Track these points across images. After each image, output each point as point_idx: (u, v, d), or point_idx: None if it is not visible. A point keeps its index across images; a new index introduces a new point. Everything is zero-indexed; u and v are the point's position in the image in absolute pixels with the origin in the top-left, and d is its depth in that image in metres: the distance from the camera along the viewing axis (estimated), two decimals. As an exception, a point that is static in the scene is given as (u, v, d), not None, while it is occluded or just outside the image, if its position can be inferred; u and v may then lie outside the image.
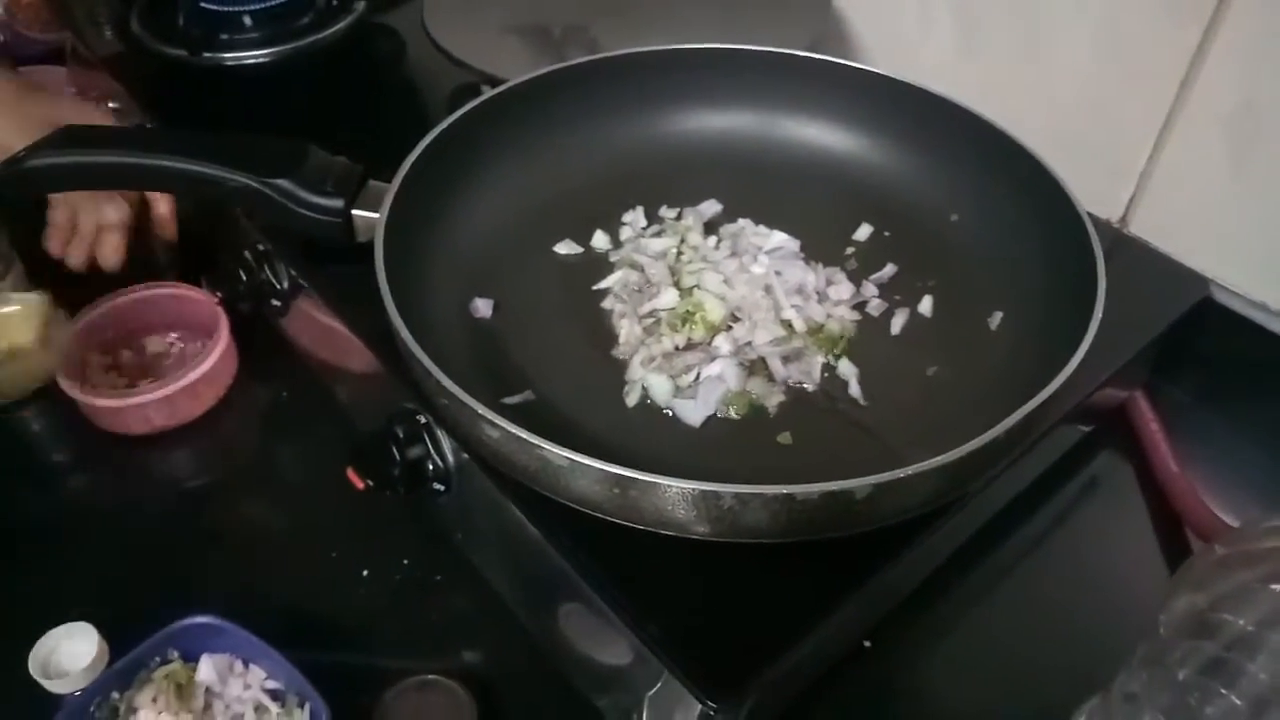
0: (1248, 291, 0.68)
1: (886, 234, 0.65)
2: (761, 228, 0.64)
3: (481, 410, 0.44)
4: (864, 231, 0.65)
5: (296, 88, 0.88)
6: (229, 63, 0.87)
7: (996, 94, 0.67)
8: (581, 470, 0.42)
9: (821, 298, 0.59)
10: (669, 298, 0.57)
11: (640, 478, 0.40)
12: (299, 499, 0.70)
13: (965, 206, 0.64)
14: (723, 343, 0.56)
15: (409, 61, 0.93)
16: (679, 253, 0.63)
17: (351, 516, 0.66)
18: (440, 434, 0.58)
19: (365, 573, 0.65)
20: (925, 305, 0.60)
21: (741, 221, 0.65)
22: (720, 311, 0.57)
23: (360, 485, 0.64)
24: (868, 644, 0.59)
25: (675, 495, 0.41)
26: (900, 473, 0.40)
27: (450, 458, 0.59)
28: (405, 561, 0.65)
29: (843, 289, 0.60)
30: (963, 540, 0.62)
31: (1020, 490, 0.65)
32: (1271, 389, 0.70)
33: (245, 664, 0.59)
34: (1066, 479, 0.68)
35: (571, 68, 0.66)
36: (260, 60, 0.87)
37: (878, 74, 0.66)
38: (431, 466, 0.59)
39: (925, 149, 0.66)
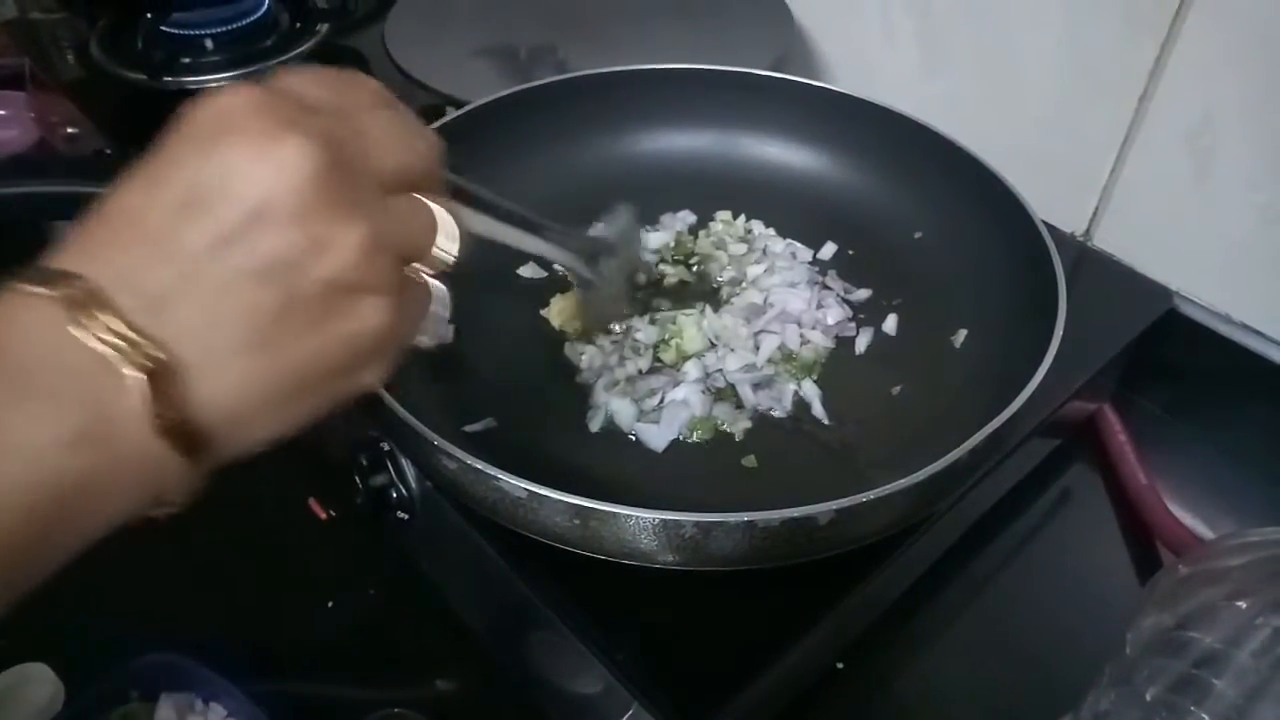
0: (1211, 303, 0.69)
1: (851, 252, 0.65)
2: (771, 230, 0.65)
3: (437, 441, 0.43)
4: (829, 250, 0.64)
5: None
6: (191, 86, 0.86)
7: (959, 111, 0.67)
8: (540, 502, 0.41)
9: (811, 323, 0.59)
10: (647, 334, 0.57)
11: (600, 509, 0.39)
12: (262, 530, 0.69)
13: (929, 224, 0.64)
14: (691, 368, 0.55)
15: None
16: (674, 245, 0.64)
17: (316, 547, 0.65)
18: (404, 462, 0.57)
19: (330, 604, 0.64)
20: (890, 324, 0.60)
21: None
22: (699, 343, 0.56)
23: (323, 516, 0.64)
24: (840, 665, 0.58)
25: (636, 525, 0.40)
26: (863, 497, 0.40)
27: (414, 485, 0.58)
28: (371, 592, 0.64)
29: (833, 312, 0.59)
30: (934, 558, 0.62)
31: (991, 505, 0.65)
32: (1236, 399, 0.70)
33: (205, 702, 0.58)
34: (1037, 493, 0.68)
35: (535, 89, 0.66)
36: (222, 84, 0.86)
37: (840, 92, 0.66)
38: (395, 495, 0.58)
39: (888, 167, 0.66)
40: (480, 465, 0.41)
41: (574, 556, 0.45)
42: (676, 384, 0.54)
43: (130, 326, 0.27)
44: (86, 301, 0.27)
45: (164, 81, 0.86)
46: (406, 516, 0.59)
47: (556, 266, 0.64)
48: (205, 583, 0.66)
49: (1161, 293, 0.69)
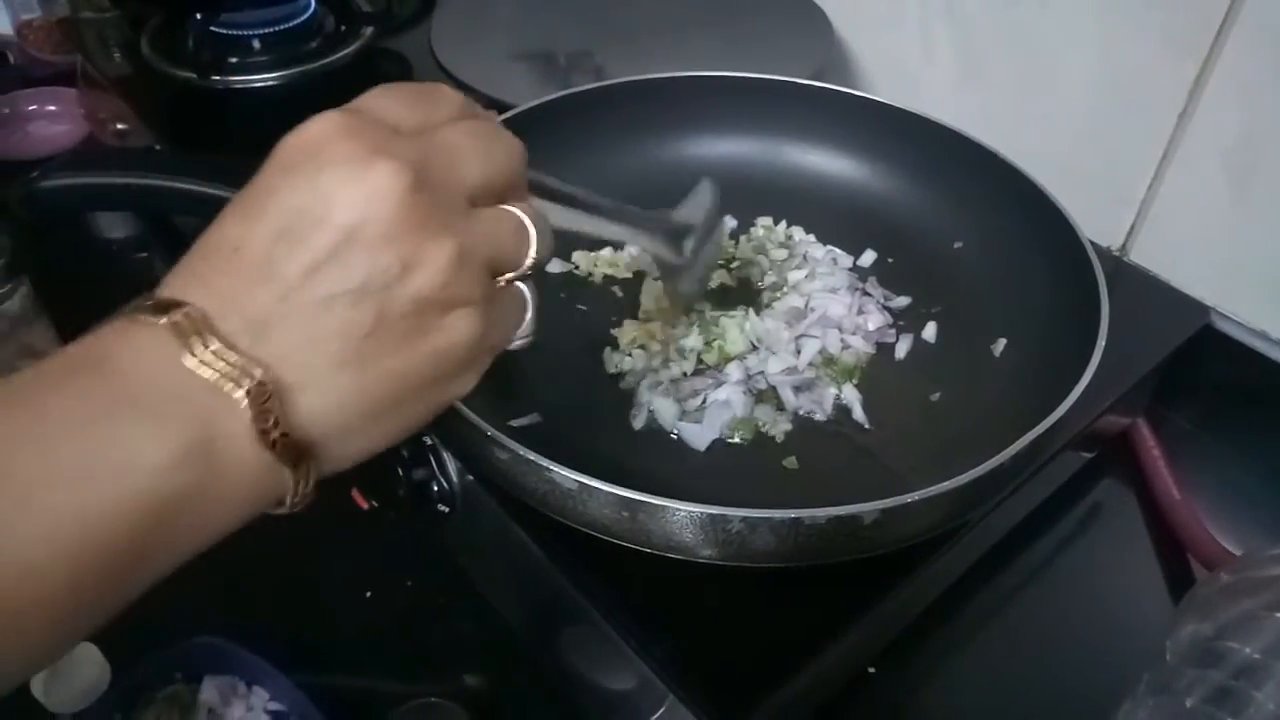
0: (1247, 319, 0.69)
1: (890, 260, 0.65)
2: (812, 237, 0.66)
3: (491, 432, 0.44)
4: (869, 257, 0.65)
5: (304, 111, 0.88)
6: (237, 86, 0.88)
7: (996, 124, 0.68)
8: (590, 494, 0.42)
9: (851, 328, 0.60)
10: (693, 340, 0.58)
11: (650, 501, 0.40)
12: (302, 520, 0.70)
13: (969, 234, 0.64)
14: (733, 369, 0.56)
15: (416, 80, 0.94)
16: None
17: (355, 538, 0.66)
18: (446, 456, 0.58)
19: (369, 594, 0.65)
20: (929, 331, 0.61)
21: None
22: (741, 345, 0.57)
23: (364, 505, 0.65)
24: (872, 669, 0.58)
25: (684, 519, 0.41)
26: (908, 498, 0.41)
27: (455, 479, 0.59)
28: (409, 583, 0.65)
29: (874, 318, 0.60)
30: (966, 567, 0.62)
31: (1022, 517, 0.65)
32: (1271, 416, 0.70)
33: (248, 686, 0.59)
34: (1069, 506, 0.68)
35: (580, 94, 0.67)
36: (268, 84, 0.88)
37: (882, 103, 0.67)
38: (436, 488, 0.59)
39: (929, 177, 0.67)
40: (533, 457, 0.42)
41: (613, 551, 0.46)
42: (719, 385, 0.55)
43: (234, 349, 0.29)
44: (194, 328, 0.28)
45: (212, 80, 0.87)
46: (446, 510, 0.60)
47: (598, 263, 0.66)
48: (249, 569, 0.66)
49: (1198, 308, 0.69)
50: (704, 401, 0.55)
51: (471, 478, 0.57)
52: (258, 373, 0.28)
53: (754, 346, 0.58)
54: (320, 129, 0.30)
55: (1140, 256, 0.73)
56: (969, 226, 0.64)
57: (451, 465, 0.58)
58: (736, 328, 0.57)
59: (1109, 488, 0.70)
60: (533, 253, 0.34)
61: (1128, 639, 0.60)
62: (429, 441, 0.59)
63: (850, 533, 0.42)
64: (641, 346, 0.58)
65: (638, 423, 0.55)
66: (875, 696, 0.58)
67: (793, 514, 0.40)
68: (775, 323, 0.58)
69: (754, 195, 0.69)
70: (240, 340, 0.29)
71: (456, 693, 0.58)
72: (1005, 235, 0.62)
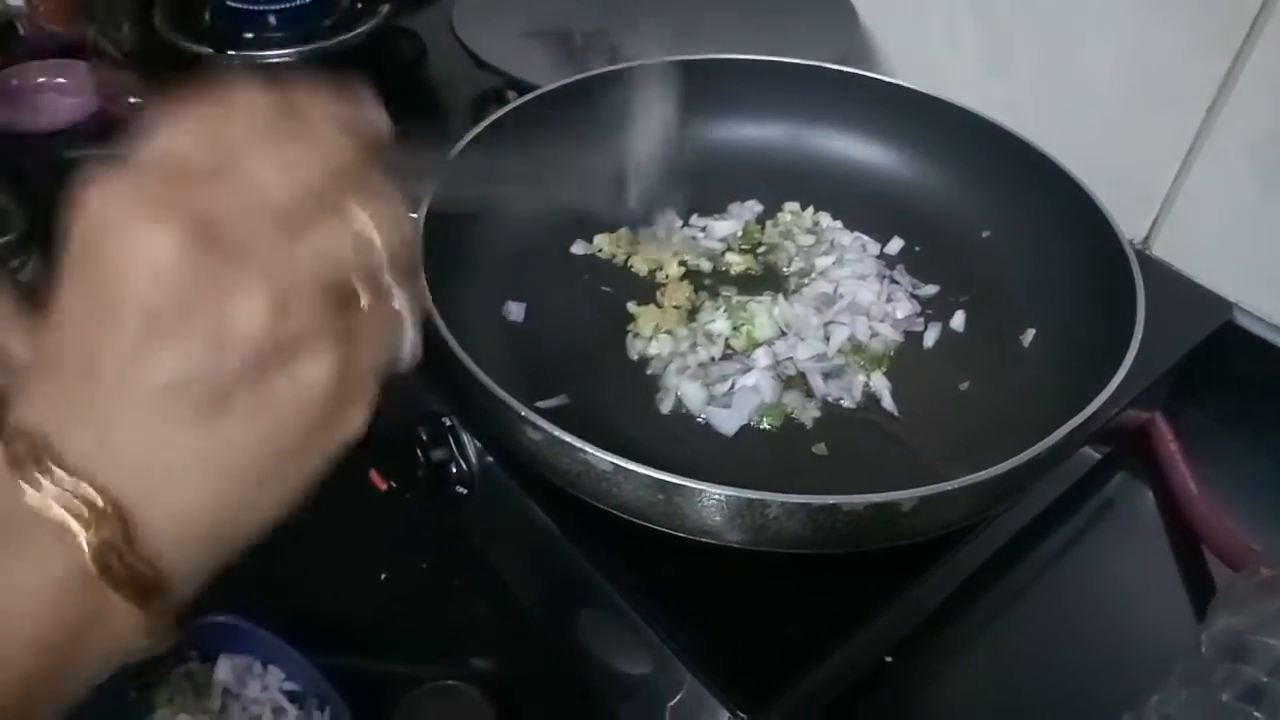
0: (1270, 315, 0.69)
1: (918, 249, 0.65)
2: (839, 223, 0.65)
3: (525, 412, 0.44)
4: (895, 245, 0.65)
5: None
6: (253, 61, 0.87)
7: (1021, 116, 0.67)
8: (625, 476, 0.42)
9: (880, 315, 0.59)
10: (721, 325, 0.57)
11: (687, 484, 0.40)
12: (319, 499, 0.69)
13: (997, 223, 0.64)
14: (761, 355, 0.56)
15: (432, 65, 0.93)
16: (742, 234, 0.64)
17: (371, 519, 0.66)
18: (465, 437, 0.58)
19: (384, 576, 0.64)
20: (958, 320, 0.60)
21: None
22: (770, 330, 0.57)
23: (382, 486, 0.64)
24: (889, 659, 0.58)
25: (720, 502, 0.41)
26: (947, 485, 0.40)
27: (474, 461, 0.58)
28: (424, 565, 0.65)
29: (902, 306, 0.59)
30: (985, 558, 0.62)
31: (1039, 511, 0.65)
32: (1292, 411, 0.70)
33: (264, 665, 0.58)
34: (1082, 501, 0.68)
35: (607, 74, 0.66)
36: (284, 59, 0.87)
37: (910, 89, 0.66)
38: (455, 469, 0.59)
39: (957, 165, 0.66)
40: (568, 438, 0.42)
41: (635, 534, 0.46)
42: (747, 370, 0.55)
43: (74, 473, 0.26)
44: (31, 455, 0.26)
45: (228, 55, 0.86)
46: (465, 491, 0.60)
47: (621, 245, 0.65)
48: (265, 548, 0.66)
49: (1220, 304, 0.69)
50: (732, 386, 0.54)
51: (491, 459, 0.56)
52: (96, 499, 0.26)
53: (782, 332, 0.57)
54: (98, 200, 0.26)
55: (1163, 251, 0.73)
56: (997, 215, 0.64)
57: (471, 446, 0.58)
58: (765, 312, 0.56)
59: (1123, 483, 0.70)
60: (383, 256, 0.29)
61: (1143, 634, 0.60)
62: (448, 423, 0.58)
63: (887, 520, 0.41)
64: (668, 332, 0.57)
65: (665, 407, 0.54)
66: (892, 686, 0.58)
67: (831, 500, 0.39)
68: (804, 308, 0.58)
69: (780, 180, 0.69)
70: (80, 460, 0.26)
71: (472, 675, 0.58)
72: (1034, 225, 0.61)
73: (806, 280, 0.61)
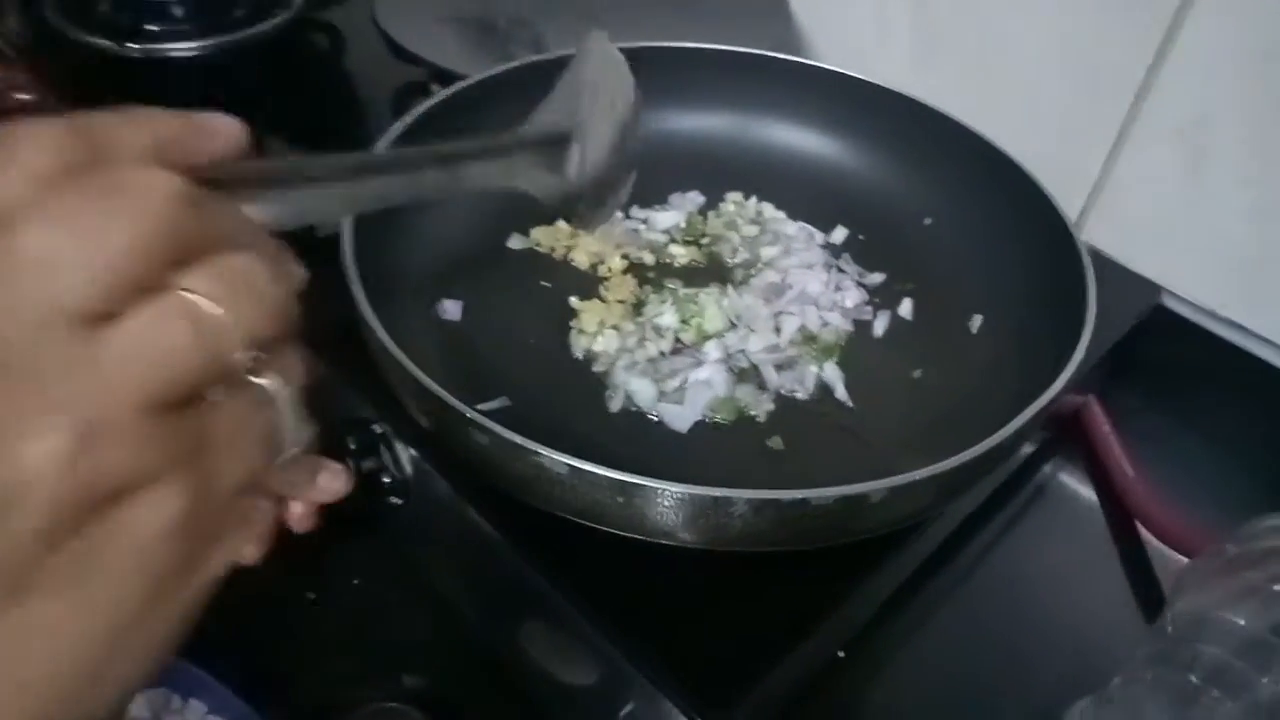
0: (1196, 298, 0.70)
1: (861, 237, 0.64)
2: (782, 214, 0.63)
3: (470, 414, 0.41)
4: (840, 234, 0.64)
5: (231, 83, 0.83)
6: (157, 55, 0.81)
7: (951, 104, 0.67)
8: (582, 478, 0.39)
9: (829, 304, 0.58)
10: (669, 318, 0.55)
11: (650, 484, 0.38)
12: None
13: (939, 210, 0.64)
14: (712, 348, 0.54)
15: (350, 59, 0.89)
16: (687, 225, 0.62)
17: (293, 535, 0.62)
18: (398, 445, 0.55)
19: (311, 596, 0.61)
20: (905, 308, 0.60)
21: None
22: (720, 322, 0.55)
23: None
24: (841, 653, 0.57)
25: (683, 502, 0.38)
26: (915, 475, 0.39)
27: (408, 469, 0.55)
28: (355, 581, 0.61)
29: (851, 295, 0.58)
30: (934, 548, 0.61)
31: (983, 499, 0.65)
32: (1218, 392, 0.71)
33: (183, 698, 0.54)
34: (1017, 486, 0.68)
35: (540, 63, 0.63)
36: (191, 53, 0.82)
37: (850, 76, 0.65)
38: (387, 480, 0.56)
39: (898, 152, 0.66)
40: (519, 440, 0.39)
41: (582, 538, 0.43)
42: (698, 364, 0.53)
43: None
44: None
45: (128, 48, 0.81)
46: (399, 502, 0.57)
47: (560, 239, 0.62)
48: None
49: (1150, 287, 0.70)
50: (683, 382, 0.52)
51: (427, 467, 0.53)
52: None
53: (732, 324, 0.55)
54: None
55: (1092, 236, 0.74)
56: (939, 202, 0.64)
57: (404, 454, 0.55)
58: (714, 304, 0.55)
59: (1057, 467, 0.70)
60: (234, 340, 0.22)
61: (1084, 616, 0.60)
62: (379, 430, 0.55)
63: (855, 513, 0.40)
64: (614, 327, 0.55)
65: (614, 405, 0.52)
66: (846, 680, 0.57)
67: (800, 494, 0.38)
68: (753, 299, 0.56)
69: (721, 171, 0.67)
70: None
71: (412, 696, 0.55)
72: (976, 210, 0.61)
73: (753, 271, 0.60)
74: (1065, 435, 0.70)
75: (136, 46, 0.81)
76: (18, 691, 0.21)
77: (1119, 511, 0.66)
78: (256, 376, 0.23)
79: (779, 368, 0.54)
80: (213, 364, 0.22)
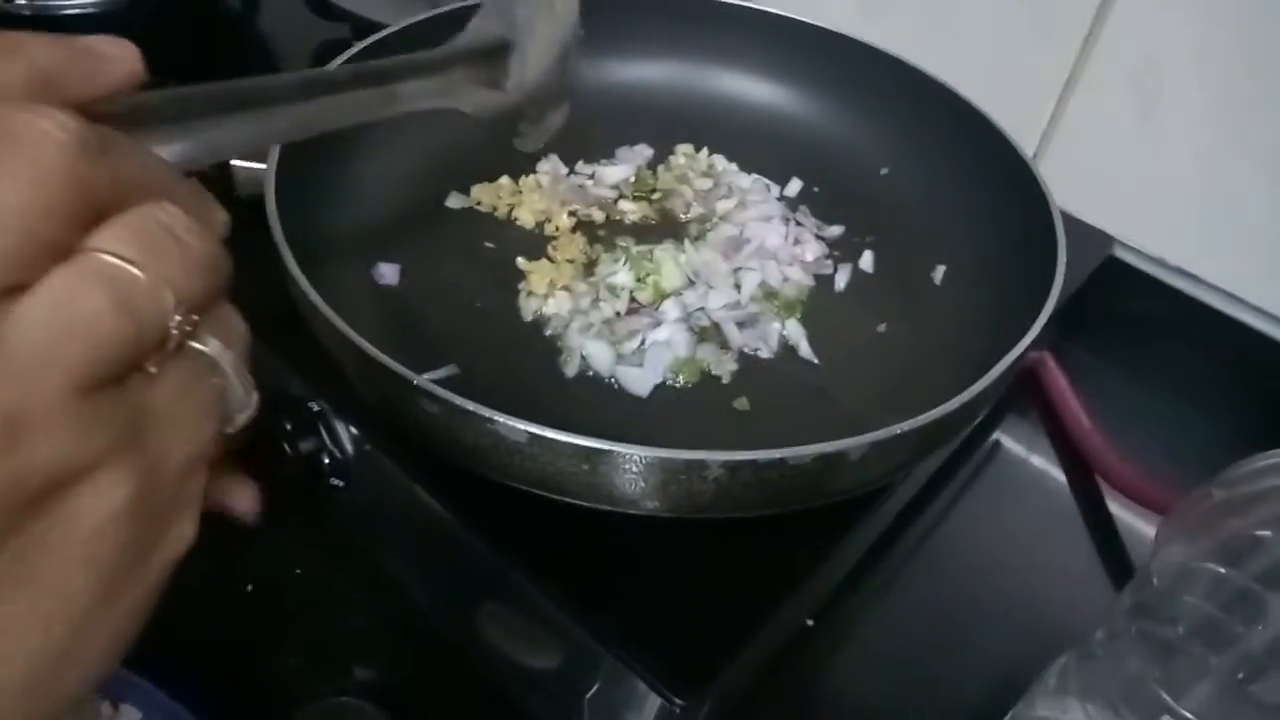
0: (1146, 247, 0.69)
1: (816, 189, 0.62)
2: (734, 165, 0.60)
3: (418, 382, 0.37)
4: (795, 186, 0.61)
5: (134, 40, 0.77)
6: (47, 11, 0.75)
7: (899, 50, 0.65)
8: (544, 446, 0.36)
9: (789, 259, 0.56)
10: (623, 277, 0.52)
11: (618, 450, 0.35)
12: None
13: (895, 158, 0.62)
14: (670, 306, 0.51)
15: (264, 17, 0.84)
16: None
17: (227, 524, 0.58)
18: (337, 423, 0.51)
19: (250, 588, 0.57)
20: (866, 261, 0.58)
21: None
22: (678, 279, 0.52)
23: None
24: (810, 622, 0.56)
25: (653, 466, 0.36)
26: (895, 429, 0.37)
27: (350, 449, 0.52)
28: (298, 571, 0.58)
29: (811, 248, 0.56)
30: (899, 509, 0.60)
31: (945, 458, 0.64)
32: (1169, 341, 0.71)
33: (114, 705, 0.50)
34: (974, 444, 0.68)
35: (462, 9, 0.59)
36: (85, 9, 0.76)
37: (801, 21, 0.63)
38: (327, 460, 0.52)
39: (851, 100, 0.64)
40: (474, 408, 0.36)
41: (538, 512, 0.41)
42: (656, 324, 0.50)
43: None
44: None
45: (15, 4, 0.75)
46: (341, 484, 0.53)
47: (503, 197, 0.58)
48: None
49: (1102, 238, 0.69)
50: (642, 343, 0.49)
51: (370, 446, 0.50)
52: None
53: (690, 281, 0.53)
54: None
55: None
56: (895, 150, 0.62)
57: (345, 433, 0.51)
58: (671, 260, 0.52)
59: (1011, 425, 0.70)
60: (162, 303, 0.20)
61: (1046, 571, 0.60)
62: (316, 408, 0.51)
63: (833, 472, 0.38)
64: (564, 288, 0.52)
65: (569, 370, 0.49)
66: (815, 648, 0.55)
67: (778, 454, 0.35)
68: (712, 254, 0.53)
69: (669, 122, 0.64)
70: None
71: (365, 689, 0.52)
72: (932, 157, 0.60)
73: (709, 226, 0.57)
74: (1020, 392, 0.69)
75: (25, 1, 0.74)
76: None
77: (1079, 467, 0.66)
78: (194, 341, 0.21)
79: (740, 325, 0.51)
80: (140, 332, 0.19)
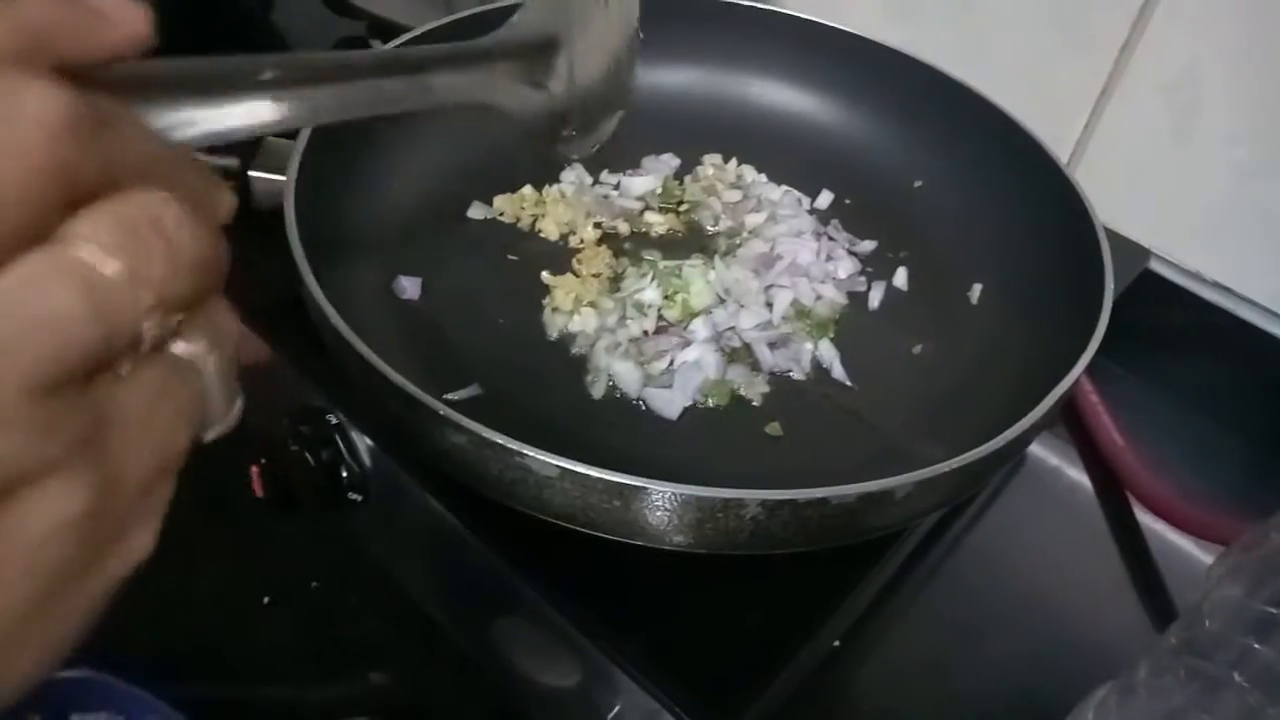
0: (1182, 260, 0.68)
1: (848, 202, 0.60)
2: (763, 177, 0.59)
3: (444, 412, 0.36)
4: (825, 199, 0.60)
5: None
6: None
7: (928, 57, 0.64)
8: (573, 481, 0.35)
9: (821, 276, 0.54)
10: (651, 294, 0.51)
11: (658, 489, 0.33)
12: (185, 517, 0.60)
13: (929, 171, 0.60)
14: (699, 326, 0.50)
15: (279, 14, 0.82)
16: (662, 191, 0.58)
17: (245, 536, 0.57)
18: (354, 435, 0.50)
19: (267, 600, 0.56)
20: (900, 278, 0.56)
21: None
22: (708, 297, 0.50)
23: (260, 492, 0.56)
24: (837, 643, 0.55)
25: (689, 505, 0.34)
26: (943, 467, 0.36)
27: (368, 462, 0.51)
28: (314, 584, 0.57)
29: (844, 265, 0.54)
30: (930, 528, 0.59)
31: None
32: (1203, 357, 0.70)
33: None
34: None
35: (488, 13, 0.57)
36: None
37: (832, 26, 0.61)
38: (346, 474, 0.51)
39: (883, 108, 0.62)
40: (502, 440, 0.35)
41: (558, 533, 0.39)
42: (686, 344, 0.48)
43: None
44: None
45: None
46: (359, 498, 0.52)
47: (525, 207, 0.57)
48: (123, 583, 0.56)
49: (1138, 251, 0.67)
50: (671, 363, 0.48)
51: (389, 459, 0.49)
52: None
53: (720, 299, 0.51)
54: None
55: (1076, 199, 0.71)
56: (928, 161, 0.60)
57: (363, 446, 0.50)
58: (701, 278, 0.50)
59: (1041, 438, 0.68)
60: (137, 300, 0.18)
61: (1074, 586, 0.58)
62: (334, 420, 0.50)
63: (876, 510, 0.36)
64: (591, 304, 0.50)
65: (597, 391, 0.47)
66: (843, 670, 0.54)
67: (819, 494, 0.34)
68: (743, 271, 0.52)
69: (696, 131, 0.63)
70: None
71: (377, 703, 0.51)
72: (969, 170, 0.58)
73: (738, 240, 0.55)
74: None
75: None
76: None
77: (1110, 482, 0.65)
78: (178, 341, 0.19)
79: (772, 346, 0.49)
80: (111, 335, 0.17)
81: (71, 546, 0.18)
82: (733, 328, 0.50)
